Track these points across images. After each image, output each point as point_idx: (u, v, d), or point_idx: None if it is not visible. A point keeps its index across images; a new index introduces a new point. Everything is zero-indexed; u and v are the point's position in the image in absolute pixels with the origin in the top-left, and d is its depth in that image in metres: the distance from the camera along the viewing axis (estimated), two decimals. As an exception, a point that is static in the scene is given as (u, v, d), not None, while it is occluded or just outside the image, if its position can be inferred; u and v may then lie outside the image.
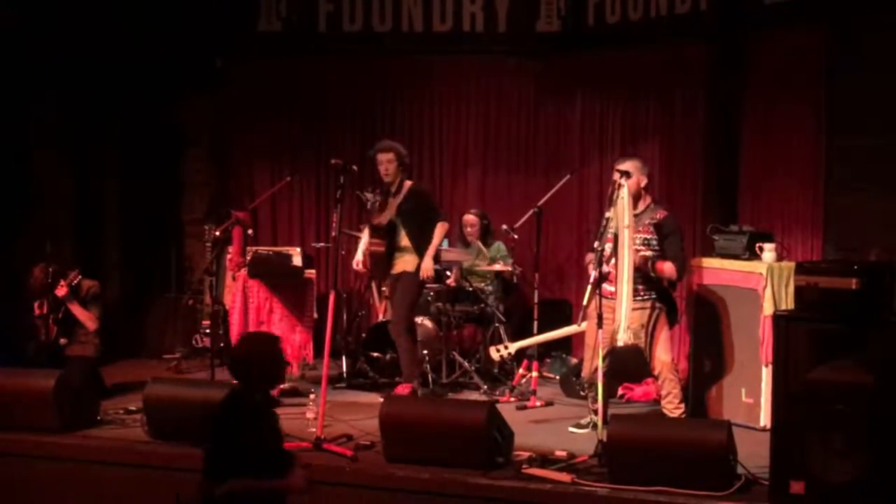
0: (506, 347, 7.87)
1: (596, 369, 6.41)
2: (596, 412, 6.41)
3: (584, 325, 6.76)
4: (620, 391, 7.80)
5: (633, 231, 6.35)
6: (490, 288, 8.74)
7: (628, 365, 6.85)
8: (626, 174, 6.41)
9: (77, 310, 7.64)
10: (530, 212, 8.16)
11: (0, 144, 8.67)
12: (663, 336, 6.61)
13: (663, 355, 6.59)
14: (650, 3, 8.91)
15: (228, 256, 8.34)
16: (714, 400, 7.15)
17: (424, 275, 7.54)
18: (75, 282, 7.65)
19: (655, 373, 6.67)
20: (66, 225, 9.14)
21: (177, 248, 10.37)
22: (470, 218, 8.95)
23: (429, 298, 8.43)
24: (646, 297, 6.55)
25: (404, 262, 7.64)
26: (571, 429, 6.86)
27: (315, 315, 7.94)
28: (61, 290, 7.57)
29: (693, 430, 5.65)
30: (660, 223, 6.58)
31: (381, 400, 6.31)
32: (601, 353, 6.30)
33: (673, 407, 6.59)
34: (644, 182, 6.63)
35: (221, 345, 8.48)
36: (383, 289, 8.66)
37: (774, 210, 8.16)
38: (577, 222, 9.55)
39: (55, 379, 6.46)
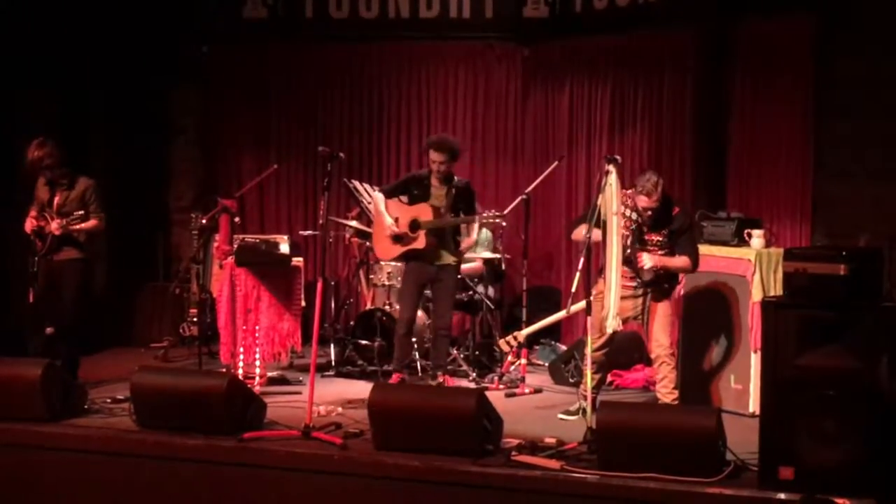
0: (515, 338, 7.77)
1: (597, 349, 6.53)
2: (586, 398, 6.41)
3: (573, 308, 6.77)
4: (610, 378, 7.79)
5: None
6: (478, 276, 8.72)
7: (623, 350, 6.84)
8: (615, 161, 6.39)
9: (83, 228, 7.34)
10: (518, 199, 8.14)
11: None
12: (662, 320, 6.61)
13: (662, 339, 6.58)
14: (638, -11, 8.91)
15: (215, 244, 8.31)
16: (703, 386, 7.16)
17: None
18: (73, 225, 7.30)
19: (652, 356, 6.66)
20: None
21: (163, 236, 10.34)
22: None
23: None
24: (638, 287, 6.58)
25: (446, 256, 7.51)
26: (561, 416, 6.86)
27: (303, 303, 7.92)
28: (57, 230, 7.27)
29: (682, 417, 5.65)
30: (673, 221, 6.58)
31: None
32: (590, 341, 6.30)
33: (667, 392, 6.59)
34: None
35: (209, 333, 8.46)
36: (371, 276, 8.65)
37: (763, 197, 8.17)
38: (566, 209, 9.53)
39: (42, 368, 6.42)
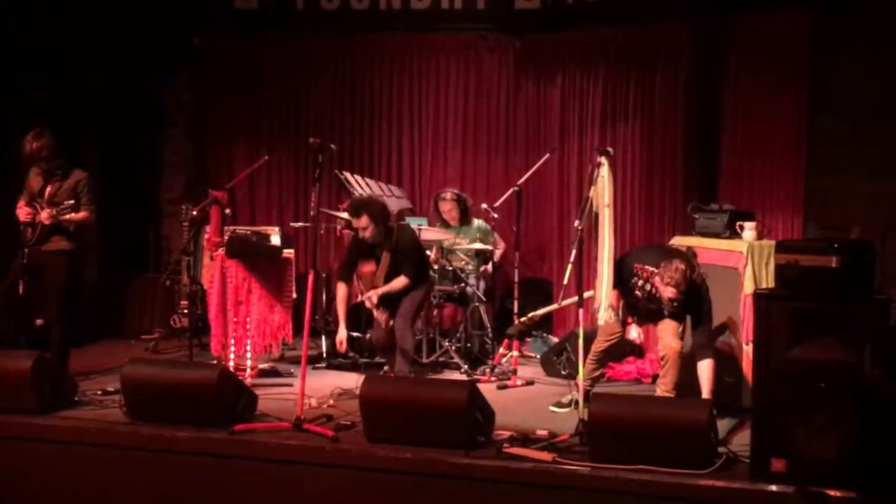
0: (531, 318, 7.71)
1: (602, 351, 6.60)
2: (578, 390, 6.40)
3: (563, 303, 6.77)
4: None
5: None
6: (471, 267, 8.71)
7: (616, 343, 6.83)
8: (607, 153, 6.36)
9: (72, 219, 7.29)
10: (510, 191, 8.13)
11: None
12: (669, 324, 6.52)
13: (672, 342, 6.46)
14: (632, -20, 8.89)
15: (206, 236, 8.29)
16: (693, 378, 7.15)
17: (368, 303, 7.33)
18: (63, 216, 7.25)
19: (661, 354, 6.59)
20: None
21: (154, 228, 10.31)
22: (446, 205, 8.89)
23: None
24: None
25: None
26: (552, 408, 6.86)
27: (294, 295, 7.90)
28: (47, 219, 7.21)
29: (674, 409, 5.64)
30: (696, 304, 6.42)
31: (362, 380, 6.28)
32: (581, 333, 6.29)
33: (665, 390, 6.55)
34: None
35: (199, 325, 8.44)
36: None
37: (756, 189, 8.16)
38: (558, 201, 9.52)
39: (32, 360, 6.40)
